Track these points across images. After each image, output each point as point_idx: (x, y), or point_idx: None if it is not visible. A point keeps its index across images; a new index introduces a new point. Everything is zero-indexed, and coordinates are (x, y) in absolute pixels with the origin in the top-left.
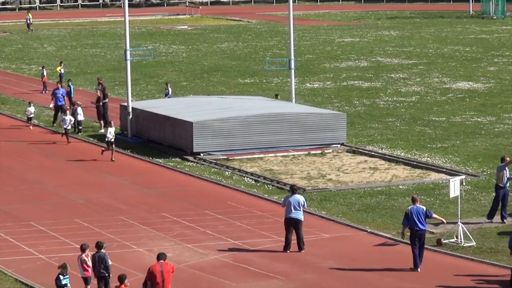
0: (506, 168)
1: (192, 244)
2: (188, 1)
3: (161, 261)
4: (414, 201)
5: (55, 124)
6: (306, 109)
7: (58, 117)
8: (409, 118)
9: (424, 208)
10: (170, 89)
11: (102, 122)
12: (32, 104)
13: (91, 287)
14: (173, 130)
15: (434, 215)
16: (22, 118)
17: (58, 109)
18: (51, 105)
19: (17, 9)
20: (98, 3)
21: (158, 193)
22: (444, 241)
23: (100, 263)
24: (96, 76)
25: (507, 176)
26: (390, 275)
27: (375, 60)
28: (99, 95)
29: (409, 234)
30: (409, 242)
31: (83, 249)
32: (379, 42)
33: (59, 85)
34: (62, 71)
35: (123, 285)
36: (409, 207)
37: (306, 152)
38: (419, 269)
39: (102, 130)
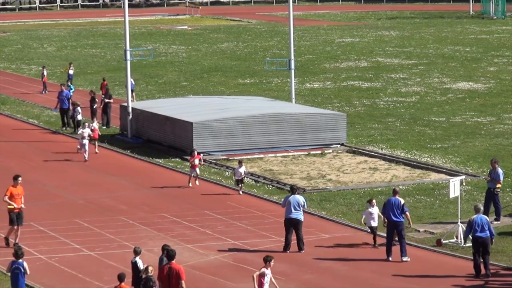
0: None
1: (192, 244)
2: (188, 1)
3: (169, 263)
4: (394, 193)
5: (64, 128)
6: (306, 109)
7: (237, 171)
8: (409, 118)
9: (402, 201)
10: (133, 82)
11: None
12: (243, 164)
13: None
14: (173, 130)
15: (407, 214)
16: (22, 118)
17: (63, 112)
18: (54, 108)
19: (17, 9)
20: (98, 3)
21: (158, 193)
22: (444, 241)
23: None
24: (96, 76)
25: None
26: (389, 275)
27: (375, 60)
28: (91, 95)
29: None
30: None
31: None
32: (379, 42)
33: (63, 87)
34: (71, 72)
35: (122, 284)
36: (389, 198)
37: (306, 153)
38: (390, 259)
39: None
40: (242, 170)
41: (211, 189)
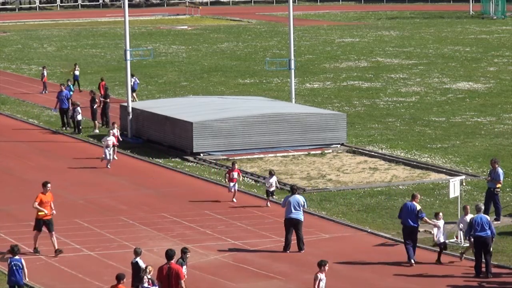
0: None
1: (192, 244)
2: (188, 1)
3: (168, 264)
4: (413, 198)
5: (64, 128)
6: (306, 109)
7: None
8: (409, 118)
9: (418, 207)
10: (138, 81)
11: (96, 122)
12: (274, 173)
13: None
14: (173, 130)
15: (425, 219)
16: (22, 118)
17: (63, 112)
18: (54, 109)
19: (17, 9)
20: (98, 3)
21: (158, 193)
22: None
23: None
24: (96, 76)
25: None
26: (390, 275)
27: (375, 60)
28: (91, 95)
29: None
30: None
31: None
32: (379, 42)
33: (62, 87)
34: (77, 72)
35: (120, 285)
36: (405, 202)
37: (306, 152)
38: (412, 261)
39: (97, 131)
40: (273, 180)
41: (210, 188)
